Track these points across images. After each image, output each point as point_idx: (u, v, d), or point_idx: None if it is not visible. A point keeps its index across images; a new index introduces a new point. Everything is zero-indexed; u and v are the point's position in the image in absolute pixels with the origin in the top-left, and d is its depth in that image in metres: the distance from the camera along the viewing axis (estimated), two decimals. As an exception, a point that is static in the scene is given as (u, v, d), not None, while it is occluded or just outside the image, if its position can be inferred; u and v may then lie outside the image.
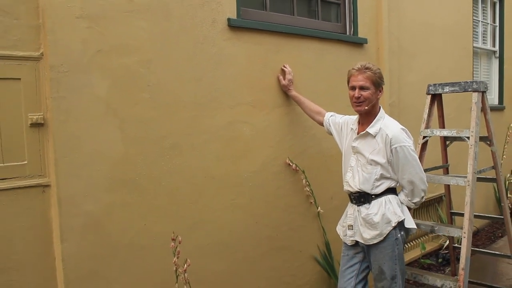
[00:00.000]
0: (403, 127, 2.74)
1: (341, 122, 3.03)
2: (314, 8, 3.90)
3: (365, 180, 2.72)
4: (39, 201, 2.42)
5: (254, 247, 3.30)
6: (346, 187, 2.86)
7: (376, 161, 2.69)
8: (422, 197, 2.77)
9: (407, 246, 4.77)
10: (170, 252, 2.65)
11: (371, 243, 2.73)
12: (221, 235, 3.11)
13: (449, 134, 3.42)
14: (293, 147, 3.50)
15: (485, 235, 5.66)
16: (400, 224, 2.71)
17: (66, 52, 2.44)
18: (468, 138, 3.24)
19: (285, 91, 3.39)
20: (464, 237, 3.09)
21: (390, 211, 2.69)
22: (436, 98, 3.65)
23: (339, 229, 2.97)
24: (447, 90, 3.48)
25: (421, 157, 3.51)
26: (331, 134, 3.13)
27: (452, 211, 3.99)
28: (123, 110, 2.65)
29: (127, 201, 2.67)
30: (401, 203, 2.77)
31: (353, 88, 2.73)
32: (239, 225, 3.22)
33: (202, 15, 2.98)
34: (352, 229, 2.81)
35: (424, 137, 3.54)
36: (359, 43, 4.07)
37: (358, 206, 2.79)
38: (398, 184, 2.79)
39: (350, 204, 2.90)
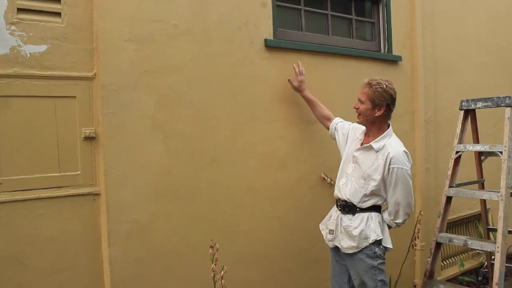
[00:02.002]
0: (406, 150, 2.75)
1: (349, 128, 3.08)
2: (349, 27, 4.00)
3: (355, 192, 2.77)
4: (90, 208, 2.63)
5: (289, 258, 3.39)
6: (336, 192, 2.92)
7: (371, 177, 2.72)
8: (405, 220, 2.79)
9: (444, 263, 4.75)
10: (208, 260, 2.77)
11: (347, 252, 2.80)
12: (257, 246, 3.22)
13: (482, 149, 3.47)
14: (328, 162, 3.57)
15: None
16: (378, 241, 2.76)
17: (116, 72, 2.65)
18: (501, 152, 3.28)
19: (298, 93, 3.35)
20: (498, 252, 3.12)
21: (370, 228, 2.74)
22: (470, 113, 3.68)
23: (323, 230, 3.01)
24: (480, 106, 3.53)
25: (453, 172, 3.55)
26: (334, 138, 3.18)
27: (489, 227, 3.99)
28: (167, 125, 2.82)
29: (169, 210, 2.83)
30: (383, 221, 2.81)
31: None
32: (275, 236, 3.32)
33: (240, 37, 3.15)
34: (333, 234, 2.87)
35: (457, 152, 3.58)
36: (394, 61, 4.11)
37: (342, 214, 2.85)
38: (385, 202, 2.82)
39: (335, 208, 2.94)
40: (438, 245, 3.53)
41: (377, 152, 2.73)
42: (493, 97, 3.45)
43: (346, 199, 2.82)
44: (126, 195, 2.68)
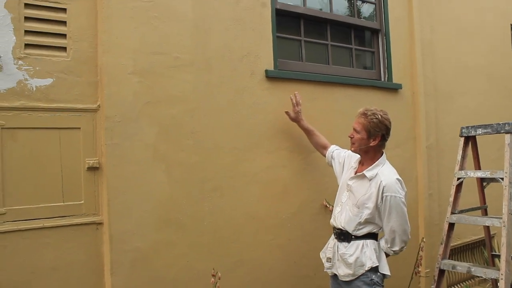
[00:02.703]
0: (399, 178, 2.73)
1: (344, 156, 3.08)
2: (349, 57, 4.05)
3: (350, 220, 2.76)
4: (93, 237, 2.65)
5: (291, 286, 3.37)
6: (332, 220, 2.91)
7: (365, 205, 2.71)
8: (403, 247, 2.75)
9: (453, 289, 4.68)
10: (211, 289, 2.78)
11: (344, 280, 2.77)
12: (260, 274, 3.21)
13: (483, 176, 3.45)
14: (330, 189, 3.55)
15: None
16: (374, 269, 2.73)
17: (120, 104, 2.71)
18: (502, 179, 3.27)
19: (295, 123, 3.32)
20: (502, 279, 3.08)
21: (365, 255, 2.72)
22: (470, 140, 3.68)
23: (323, 258, 2.98)
24: (480, 132, 3.53)
25: (455, 198, 3.53)
26: (331, 166, 3.18)
27: (494, 253, 3.94)
28: (169, 155, 2.85)
29: (172, 239, 2.84)
30: (379, 248, 2.79)
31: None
32: (278, 264, 3.30)
33: (242, 68, 3.20)
34: (330, 262, 2.86)
35: (458, 178, 3.56)
36: (394, 89, 4.16)
37: (338, 241, 2.83)
38: (381, 230, 2.80)
39: (332, 236, 2.93)
40: (442, 272, 3.48)
41: (370, 180, 2.73)
42: (492, 124, 3.46)
43: (341, 227, 2.81)
44: (129, 224, 2.69)
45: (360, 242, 2.76)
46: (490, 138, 3.99)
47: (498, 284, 3.11)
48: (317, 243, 3.41)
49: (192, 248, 2.92)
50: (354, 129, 2.81)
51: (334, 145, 3.26)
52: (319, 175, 3.55)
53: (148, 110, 2.80)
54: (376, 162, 2.78)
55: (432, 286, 3.48)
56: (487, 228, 3.92)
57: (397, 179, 2.72)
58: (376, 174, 2.73)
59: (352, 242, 2.77)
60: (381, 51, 4.19)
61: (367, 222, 2.74)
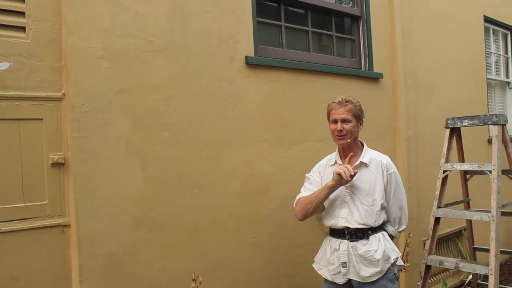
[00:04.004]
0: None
1: (317, 172, 2.85)
2: (329, 44, 3.92)
3: (368, 213, 2.61)
4: (59, 241, 2.40)
5: (274, 285, 3.22)
6: (342, 223, 2.64)
7: (376, 190, 2.62)
8: (406, 224, 2.77)
9: (430, 281, 4.59)
10: (191, 292, 2.58)
11: (369, 281, 2.59)
12: (241, 274, 3.05)
13: (471, 168, 3.33)
14: (312, 183, 3.41)
15: (508, 270, 5.46)
16: (394, 262, 2.64)
17: (88, 92, 2.46)
18: (490, 172, 3.15)
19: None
20: (491, 275, 2.96)
21: (388, 247, 2.63)
22: (455, 131, 3.57)
23: (322, 268, 2.74)
24: (466, 124, 3.42)
25: (441, 192, 3.42)
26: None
27: (475, 246, 3.85)
28: (144, 148, 2.65)
29: (148, 240, 2.63)
30: (389, 235, 2.70)
31: (334, 121, 2.66)
32: (259, 263, 3.15)
33: (220, 54, 3.01)
34: (346, 267, 2.63)
35: (444, 171, 3.44)
36: (375, 78, 4.05)
37: (352, 242, 2.62)
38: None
39: (333, 240, 2.70)
40: (428, 268, 3.37)
41: (368, 166, 2.66)
42: (479, 115, 3.35)
43: (361, 224, 2.61)
44: (99, 226, 2.46)
45: (378, 234, 2.63)
46: (466, 130, 3.90)
47: (488, 279, 2.98)
48: (299, 240, 3.38)
49: (169, 249, 2.72)
50: (343, 120, 2.62)
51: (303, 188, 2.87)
52: (300, 169, 3.31)
53: (119, 99, 2.57)
54: (364, 149, 2.73)
55: (418, 283, 3.36)
56: (469, 222, 3.83)
57: (388, 157, 2.77)
58: (371, 158, 2.69)
59: (371, 238, 2.61)
60: (361, 39, 4.06)
61: (381, 207, 2.64)
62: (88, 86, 2.46)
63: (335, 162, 2.76)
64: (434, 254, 3.39)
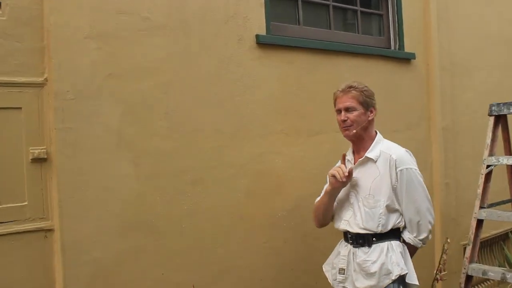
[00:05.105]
0: (407, 150, 2.64)
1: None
2: (354, 21, 3.92)
3: (369, 216, 2.56)
4: (40, 247, 2.39)
5: (289, 297, 3.21)
6: (343, 226, 2.66)
7: (380, 190, 2.55)
8: (430, 231, 2.62)
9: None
10: (192, 306, 2.61)
11: None
12: (251, 285, 3.05)
13: (523, 162, 3.21)
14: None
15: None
16: (401, 278, 2.54)
17: (73, 77, 2.45)
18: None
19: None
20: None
21: (391, 261, 2.53)
22: (501, 119, 3.44)
23: (328, 271, 2.78)
24: (516, 110, 3.29)
25: (484, 189, 3.31)
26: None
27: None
28: (138, 141, 2.65)
29: (142, 246, 2.64)
30: (405, 251, 2.60)
31: (339, 111, 2.64)
32: (272, 272, 3.15)
33: (227, 32, 3.00)
34: (344, 274, 2.65)
35: (488, 166, 3.32)
36: (406, 59, 4.05)
37: (354, 247, 2.63)
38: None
39: (343, 243, 2.72)
40: (469, 278, 3.27)
41: (376, 162, 2.60)
42: (533, 100, 3.22)
43: (362, 228, 2.59)
44: (86, 230, 2.46)
45: (384, 244, 2.55)
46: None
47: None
48: (319, 245, 3.30)
49: (167, 256, 2.73)
50: (346, 109, 2.60)
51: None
52: (320, 164, 3.32)
53: (110, 85, 2.57)
54: (374, 141, 2.65)
55: (458, 296, 3.25)
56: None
57: (406, 150, 2.64)
58: (381, 152, 2.61)
59: (374, 246, 2.55)
60: (390, 14, 4.07)
61: (389, 210, 2.55)
62: (74, 70, 2.45)
63: (348, 160, 2.74)
64: (476, 262, 3.30)
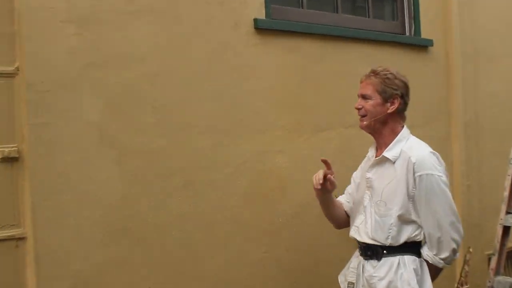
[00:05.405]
0: (434, 152, 2.55)
1: (360, 166, 2.86)
2: (363, 3, 3.97)
3: (378, 225, 2.53)
4: (11, 258, 2.40)
5: (293, 315, 3.26)
6: (352, 233, 2.68)
7: (394, 196, 2.50)
8: (454, 251, 2.50)
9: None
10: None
11: None
12: None
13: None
14: (343, 181, 3.18)
15: None
16: None
17: (48, 66, 2.47)
18: None
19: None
20: None
21: (402, 279, 2.47)
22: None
23: (342, 282, 2.75)
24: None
25: (511, 193, 3.29)
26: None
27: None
28: (122, 139, 2.67)
29: (126, 257, 2.65)
30: (422, 268, 2.53)
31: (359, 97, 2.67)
32: (273, 285, 3.17)
33: (221, 16, 3.03)
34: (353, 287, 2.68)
35: (518, 166, 3.33)
36: (423, 46, 4.08)
37: (364, 260, 2.60)
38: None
39: (357, 252, 2.71)
40: (495, 293, 3.26)
41: (394, 163, 2.53)
42: None
43: (369, 239, 2.57)
44: (63, 239, 2.47)
45: (395, 259, 2.49)
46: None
47: None
48: (327, 254, 3.35)
49: (154, 268, 2.74)
50: (362, 96, 2.59)
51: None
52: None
53: (90, 75, 2.58)
54: (397, 138, 2.58)
55: (483, 312, 3.26)
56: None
57: (431, 152, 2.54)
58: (401, 152, 2.53)
59: (383, 260, 2.51)
60: None
61: (402, 220, 2.49)
62: (49, 58, 2.47)
63: (368, 157, 2.75)
64: (503, 274, 3.31)
